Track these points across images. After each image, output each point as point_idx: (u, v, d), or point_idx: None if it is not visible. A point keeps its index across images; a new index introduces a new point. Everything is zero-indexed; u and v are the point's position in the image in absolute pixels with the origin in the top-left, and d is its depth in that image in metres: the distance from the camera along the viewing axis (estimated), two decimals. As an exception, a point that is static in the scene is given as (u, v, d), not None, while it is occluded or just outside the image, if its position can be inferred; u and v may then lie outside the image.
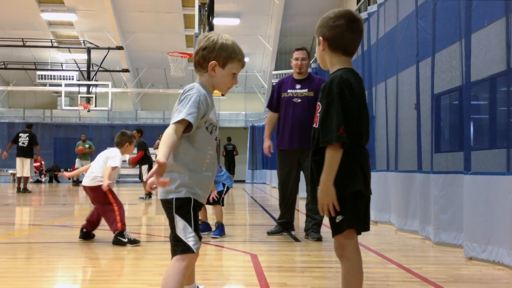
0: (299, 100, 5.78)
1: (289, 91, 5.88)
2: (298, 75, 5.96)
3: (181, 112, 2.37)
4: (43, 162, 22.94)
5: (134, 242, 5.20)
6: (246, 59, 25.37)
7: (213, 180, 2.61)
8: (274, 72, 23.11)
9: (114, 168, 5.30)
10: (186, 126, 2.37)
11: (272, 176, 21.15)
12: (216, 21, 14.74)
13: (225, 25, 21.69)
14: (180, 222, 2.43)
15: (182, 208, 2.44)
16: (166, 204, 2.48)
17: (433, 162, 5.37)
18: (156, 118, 28.53)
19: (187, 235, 2.41)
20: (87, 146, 18.49)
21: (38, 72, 24.09)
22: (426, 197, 5.52)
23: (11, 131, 24.76)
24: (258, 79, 26.83)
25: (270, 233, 6.04)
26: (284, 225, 6.09)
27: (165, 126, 27.31)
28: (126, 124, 27.82)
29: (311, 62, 13.17)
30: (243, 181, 26.44)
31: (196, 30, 12.67)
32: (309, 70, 6.08)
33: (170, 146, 2.30)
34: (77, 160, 18.52)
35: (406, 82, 6.39)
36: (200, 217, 6.01)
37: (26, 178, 14.95)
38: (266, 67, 25.63)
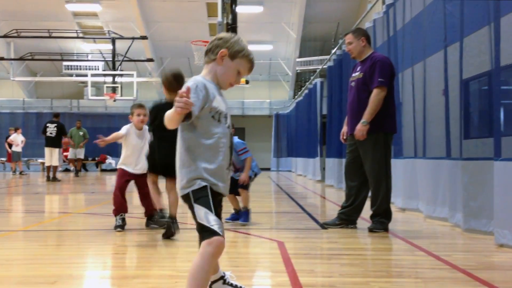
0: (354, 84, 5.52)
1: (352, 75, 5.62)
2: (358, 59, 5.59)
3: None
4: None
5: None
6: (270, 47, 25.29)
7: (228, 168, 2.59)
8: (298, 60, 22.96)
9: None
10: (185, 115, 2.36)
11: (297, 164, 21.13)
12: (239, 9, 14.64)
13: (248, 13, 21.58)
14: (200, 210, 2.44)
15: (200, 197, 2.45)
16: (186, 199, 2.52)
17: (462, 149, 5.29)
18: (181, 107, 28.66)
19: (210, 220, 2.41)
20: (81, 133, 18.13)
21: (65, 63, 24.41)
22: (455, 184, 5.44)
23: (39, 121, 25.16)
24: (282, 67, 26.70)
25: (327, 225, 5.69)
26: (343, 219, 5.63)
27: (189, 115, 27.49)
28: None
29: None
30: (268, 169, 26.46)
31: (219, 18, 12.62)
32: (369, 51, 5.51)
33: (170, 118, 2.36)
34: (70, 150, 18.35)
35: (434, 68, 6.28)
36: (233, 206, 6.03)
37: (55, 167, 15.26)
38: (290, 55, 25.48)
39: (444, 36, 5.87)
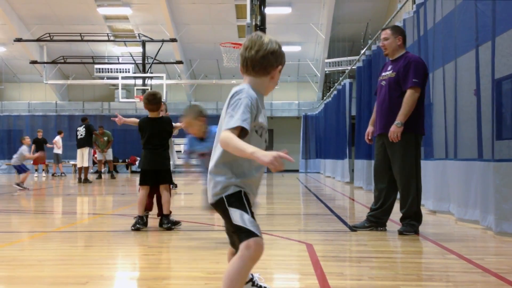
0: (384, 83, 5.44)
1: (382, 74, 5.54)
2: (390, 57, 5.52)
3: (233, 117, 2.35)
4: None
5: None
6: (298, 48, 25.24)
7: (260, 181, 2.60)
8: (327, 61, 22.86)
9: None
10: (239, 132, 2.35)
11: (326, 165, 21.03)
12: (268, 10, 14.65)
13: (276, 14, 21.59)
14: (235, 213, 2.41)
15: (234, 201, 2.43)
16: (218, 205, 2.48)
17: (494, 150, 5.19)
18: (210, 108, 28.80)
19: (246, 221, 2.39)
20: (105, 138, 18.15)
21: (96, 66, 24.81)
22: (487, 185, 5.34)
23: (71, 123, 25.64)
24: (311, 68, 26.62)
25: (356, 227, 5.60)
26: (373, 222, 5.55)
27: (218, 117, 27.63)
28: (181, 114, 28.22)
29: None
30: (296, 171, 26.39)
31: (248, 20, 12.65)
32: (402, 50, 5.43)
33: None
34: (97, 152, 18.40)
35: (465, 68, 6.18)
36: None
37: (86, 168, 15.53)
38: (319, 56, 25.38)
39: (476, 36, 5.77)
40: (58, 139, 20.23)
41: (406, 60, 5.28)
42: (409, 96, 5.14)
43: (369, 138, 5.72)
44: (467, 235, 5.33)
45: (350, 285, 3.32)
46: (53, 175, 20.56)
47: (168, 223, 5.68)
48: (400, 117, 5.13)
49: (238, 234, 2.41)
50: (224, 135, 2.34)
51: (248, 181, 2.49)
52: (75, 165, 20.30)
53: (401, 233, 5.21)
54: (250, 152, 2.25)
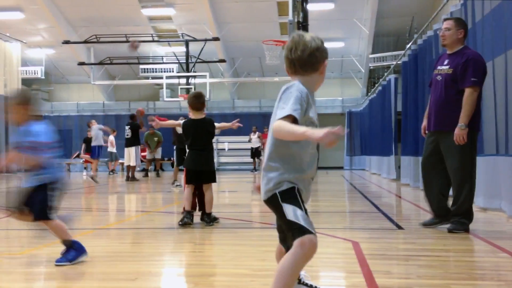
0: (440, 78, 5.29)
1: (438, 67, 5.38)
2: (448, 49, 5.36)
3: (284, 108, 2.37)
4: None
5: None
6: (342, 44, 24.99)
7: (313, 178, 2.60)
8: (371, 56, 22.56)
9: None
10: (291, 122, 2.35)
11: (371, 162, 20.77)
12: (310, 6, 14.58)
13: (319, 10, 21.43)
14: (289, 208, 2.41)
15: (288, 197, 2.43)
16: (272, 201, 2.48)
17: (548, 145, 5.01)
18: (253, 106, 28.90)
19: (299, 217, 2.38)
20: (155, 139, 18.41)
21: (141, 66, 25.26)
22: (540, 182, 5.16)
23: (118, 123, 26.17)
24: (355, 64, 26.32)
25: (425, 225, 5.46)
26: (436, 216, 5.44)
27: (261, 114, 27.73)
28: (224, 113, 28.44)
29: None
30: (341, 168, 26.18)
31: (290, 17, 12.61)
32: (461, 45, 5.24)
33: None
34: (147, 152, 18.66)
35: (516, 61, 5.98)
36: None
37: (133, 167, 15.85)
38: (363, 51, 25.07)
39: (527, 27, 5.57)
40: (112, 138, 20.67)
41: (465, 56, 5.09)
42: (469, 96, 4.97)
43: (426, 132, 5.59)
44: (520, 233, 5.17)
45: (398, 284, 3.27)
46: (112, 171, 21.04)
47: (209, 221, 5.84)
48: (463, 119, 4.97)
49: (291, 231, 2.39)
50: (275, 124, 2.35)
51: (301, 177, 2.49)
52: (122, 164, 20.74)
53: (450, 231, 5.09)
54: (302, 131, 2.25)
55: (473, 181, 5.14)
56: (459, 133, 4.98)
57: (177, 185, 12.23)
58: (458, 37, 5.23)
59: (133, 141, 15.92)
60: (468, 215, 5.13)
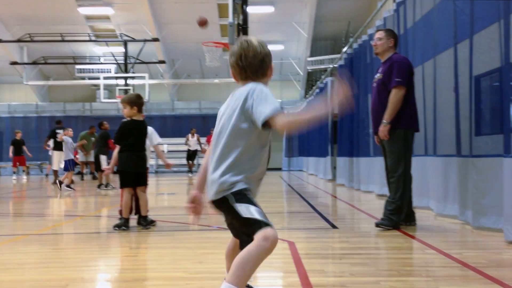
0: (375, 85, 5.65)
1: (375, 76, 5.71)
2: (380, 57, 5.69)
3: (268, 104, 2.37)
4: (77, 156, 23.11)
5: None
6: (281, 47, 25.28)
7: (262, 177, 2.61)
8: (309, 59, 22.95)
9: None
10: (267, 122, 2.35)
11: (308, 163, 21.11)
12: (250, 9, 14.66)
13: (259, 13, 21.61)
14: (242, 207, 2.40)
15: (241, 197, 2.43)
16: (223, 203, 2.47)
17: (472, 146, 5.27)
18: (193, 108, 28.76)
19: (253, 212, 2.38)
20: (93, 139, 17.44)
21: (77, 66, 24.64)
22: (465, 181, 5.42)
23: (52, 125, 25.32)
24: (293, 67, 26.70)
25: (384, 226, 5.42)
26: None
27: (201, 116, 27.60)
28: (164, 114, 28.16)
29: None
30: (279, 169, 26.45)
31: (230, 19, 12.65)
32: (391, 52, 5.57)
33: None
34: (79, 153, 17.95)
35: (444, 65, 6.26)
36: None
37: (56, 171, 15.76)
38: (302, 54, 25.47)
39: (454, 34, 5.84)
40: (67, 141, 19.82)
41: (391, 61, 5.48)
42: (394, 95, 5.31)
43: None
44: (446, 230, 5.40)
45: (332, 282, 3.34)
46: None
47: (146, 224, 5.81)
48: (385, 117, 5.32)
49: (249, 227, 2.37)
50: (281, 121, 2.32)
51: (253, 177, 2.51)
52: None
53: (378, 225, 5.32)
54: (322, 108, 2.31)
55: (407, 179, 5.36)
56: (382, 129, 5.33)
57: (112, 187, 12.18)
58: (388, 46, 5.59)
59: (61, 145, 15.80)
60: (398, 212, 5.33)
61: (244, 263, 2.29)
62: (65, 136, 13.05)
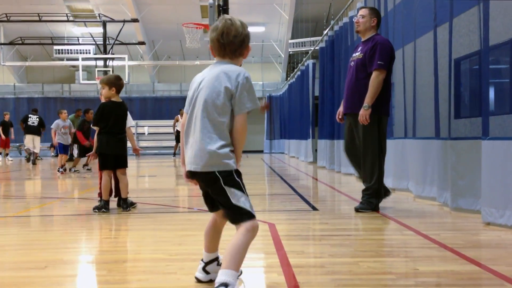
0: (353, 63, 5.54)
1: (353, 54, 5.63)
2: (361, 35, 5.61)
3: (249, 101, 2.56)
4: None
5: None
6: (262, 29, 25.15)
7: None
8: (290, 41, 22.88)
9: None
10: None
11: (290, 146, 21.17)
12: (231, -10, 14.52)
13: (240, -6, 21.43)
14: (233, 193, 2.59)
15: (233, 181, 2.60)
16: (210, 179, 2.58)
17: (451, 128, 5.33)
18: (173, 90, 28.55)
19: (244, 202, 2.60)
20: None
21: (55, 47, 24.22)
22: (443, 163, 5.49)
23: (30, 106, 25.03)
24: (275, 49, 26.61)
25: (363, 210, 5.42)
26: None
27: (182, 98, 27.36)
28: (144, 96, 27.91)
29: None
30: (261, 151, 26.49)
31: (211, 0, 12.53)
32: (373, 32, 5.51)
33: None
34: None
35: (424, 48, 6.29)
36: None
37: (36, 154, 16.91)
38: (283, 36, 25.38)
39: (434, 17, 5.86)
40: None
41: (374, 41, 5.37)
42: (374, 78, 5.23)
43: (340, 117, 5.78)
44: (425, 212, 5.47)
45: (312, 263, 3.37)
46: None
47: (126, 206, 5.79)
48: (367, 100, 5.23)
49: (236, 215, 2.58)
50: (243, 122, 2.58)
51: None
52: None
53: (358, 210, 5.34)
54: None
55: (382, 163, 5.39)
56: (362, 113, 5.24)
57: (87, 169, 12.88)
58: (371, 25, 5.50)
59: (39, 131, 17.02)
60: (377, 195, 5.38)
61: (238, 250, 2.50)
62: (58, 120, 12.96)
